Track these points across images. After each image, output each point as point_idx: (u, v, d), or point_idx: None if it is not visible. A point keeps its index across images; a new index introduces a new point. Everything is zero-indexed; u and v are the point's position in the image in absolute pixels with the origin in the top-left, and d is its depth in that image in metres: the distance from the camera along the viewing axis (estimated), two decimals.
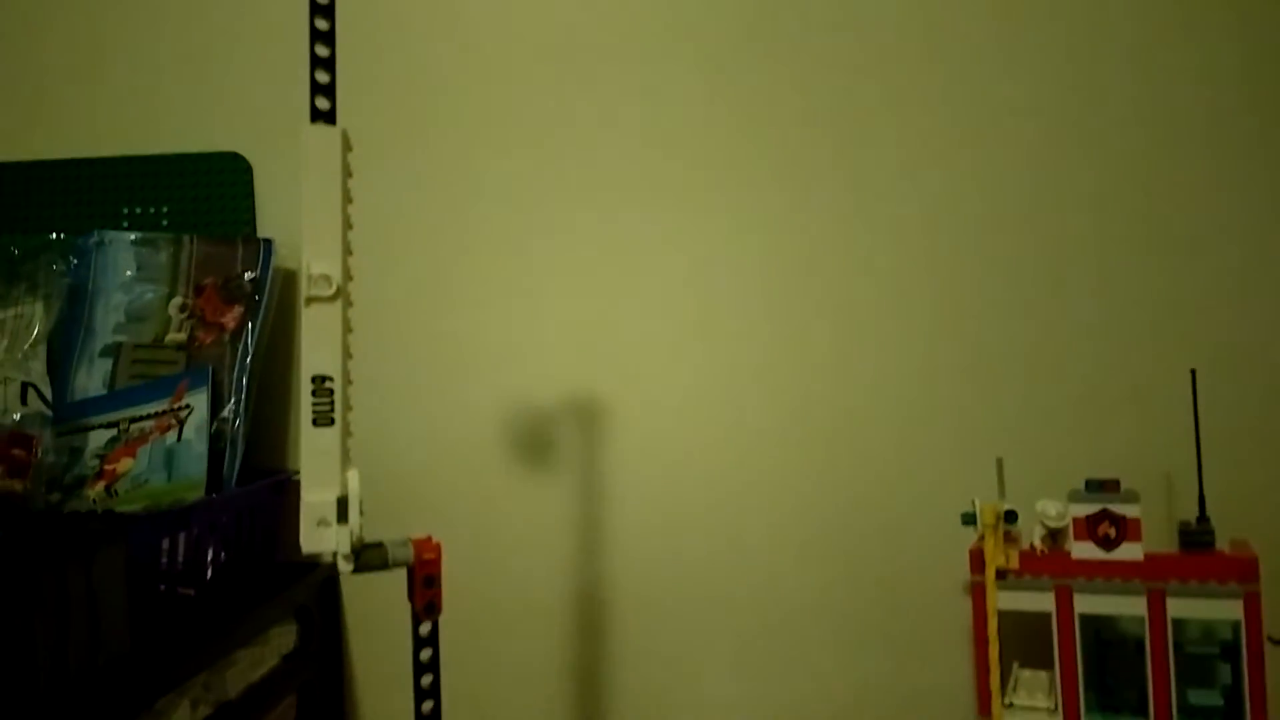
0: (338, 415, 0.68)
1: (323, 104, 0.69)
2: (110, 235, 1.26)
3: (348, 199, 0.70)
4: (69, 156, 1.36)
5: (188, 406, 1.18)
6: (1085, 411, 1.23)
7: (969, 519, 1.11)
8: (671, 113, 1.31)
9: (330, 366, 0.68)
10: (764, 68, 1.29)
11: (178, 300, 1.24)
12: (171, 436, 1.17)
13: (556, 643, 1.33)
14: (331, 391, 0.68)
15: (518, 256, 1.33)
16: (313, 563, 1.24)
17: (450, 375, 1.33)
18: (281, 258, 1.28)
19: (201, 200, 1.32)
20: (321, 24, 0.68)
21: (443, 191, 1.34)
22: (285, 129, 1.34)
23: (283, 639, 1.16)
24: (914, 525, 1.26)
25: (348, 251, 0.70)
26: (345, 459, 0.69)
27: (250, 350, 1.22)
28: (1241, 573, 1.01)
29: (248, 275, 1.25)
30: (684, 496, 1.32)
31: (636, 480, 1.32)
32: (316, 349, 0.68)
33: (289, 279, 1.31)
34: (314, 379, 0.68)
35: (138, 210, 1.33)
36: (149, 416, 1.18)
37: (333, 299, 0.69)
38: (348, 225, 0.71)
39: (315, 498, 0.67)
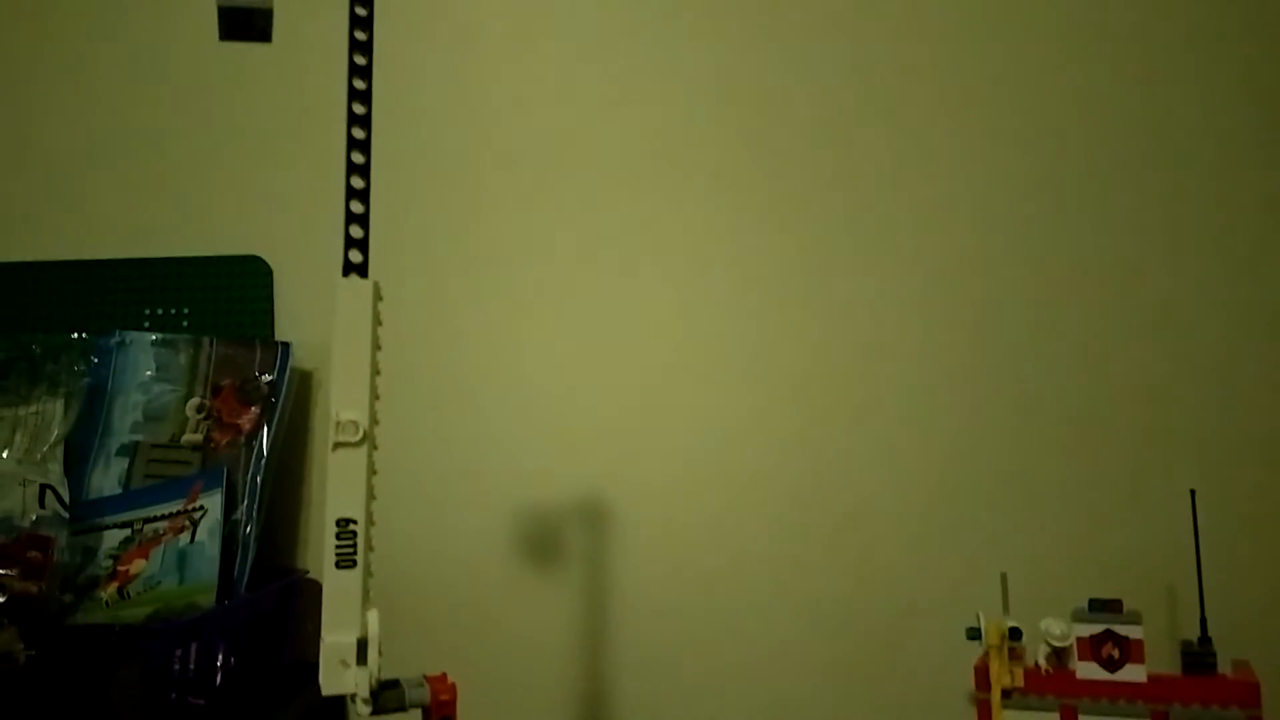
0: (360, 557, 0.70)
1: (356, 257, 0.72)
2: (131, 336, 1.28)
3: (377, 346, 0.73)
4: (93, 257, 1.39)
5: (201, 508, 1.20)
6: (1088, 527, 1.25)
7: (974, 634, 1.12)
8: (658, 214, 1.35)
9: (354, 510, 0.70)
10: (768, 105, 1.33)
11: (195, 401, 1.26)
12: (185, 538, 1.19)
13: None
14: (355, 534, 0.70)
15: (508, 349, 1.35)
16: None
17: (443, 483, 1.34)
18: (299, 359, 1.30)
19: (221, 302, 1.35)
20: (357, 182, 0.71)
21: (426, 298, 1.37)
22: (306, 233, 1.37)
23: None
24: (918, 638, 1.27)
25: (375, 396, 0.73)
26: (365, 600, 0.71)
27: (265, 452, 1.24)
28: (1244, 698, 1.02)
29: (265, 377, 1.27)
30: (687, 597, 1.33)
31: (639, 582, 1.33)
32: (342, 493, 0.70)
33: (305, 380, 1.33)
34: (338, 522, 0.70)
35: (159, 311, 1.36)
36: (163, 517, 1.20)
37: (359, 444, 0.71)
38: (376, 371, 0.73)
39: (336, 639, 0.69)
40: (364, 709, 0.67)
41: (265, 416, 1.26)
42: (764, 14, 1.35)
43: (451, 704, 0.69)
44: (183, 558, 1.18)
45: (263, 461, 1.24)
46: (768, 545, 1.32)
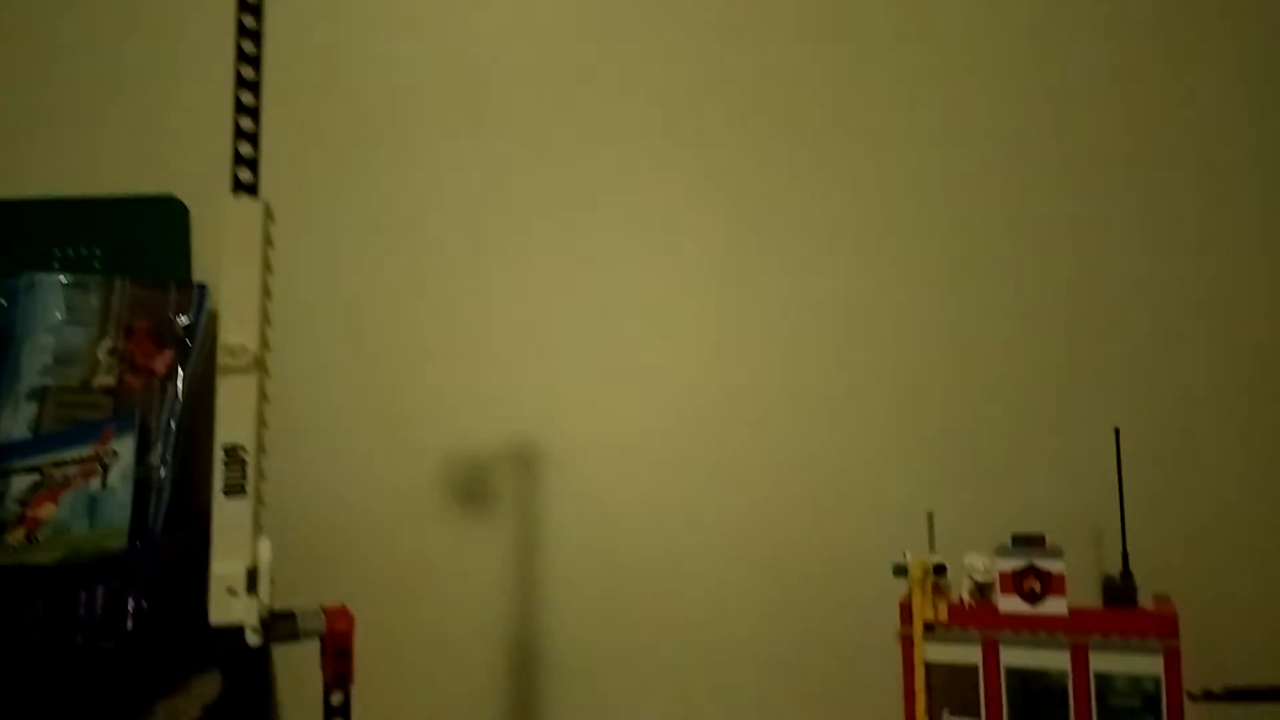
0: (250, 486, 0.67)
1: (245, 176, 0.68)
2: (40, 277, 1.24)
3: (268, 270, 0.70)
4: (0, 197, 1.34)
5: (113, 452, 1.16)
6: (1014, 466, 1.25)
7: (900, 571, 1.12)
8: (610, 155, 1.32)
9: (244, 436, 0.67)
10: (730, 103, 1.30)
11: (107, 344, 1.22)
12: (95, 483, 1.15)
13: (491, 697, 1.31)
14: (244, 462, 0.67)
15: (451, 302, 1.33)
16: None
17: (376, 427, 1.32)
18: (216, 302, 1.26)
19: (135, 243, 1.30)
20: (246, 97, 0.68)
21: (372, 240, 1.33)
22: (223, 173, 1.32)
23: (205, 689, 1.14)
24: (848, 576, 1.27)
25: (266, 322, 0.70)
26: (256, 529, 0.68)
27: (180, 396, 1.21)
28: (1162, 629, 1.02)
29: (180, 319, 1.23)
30: (619, 546, 1.32)
31: (571, 531, 1.31)
32: (230, 419, 0.68)
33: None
34: (226, 449, 0.67)
35: (69, 252, 1.31)
36: (73, 462, 1.16)
37: (248, 370, 0.68)
38: (267, 296, 0.70)
39: (224, 568, 0.67)
40: (254, 638, 0.65)
41: (180, 359, 1.22)
42: None
43: (348, 635, 0.67)
44: (93, 503, 1.14)
45: (177, 405, 1.20)
46: (703, 491, 1.31)
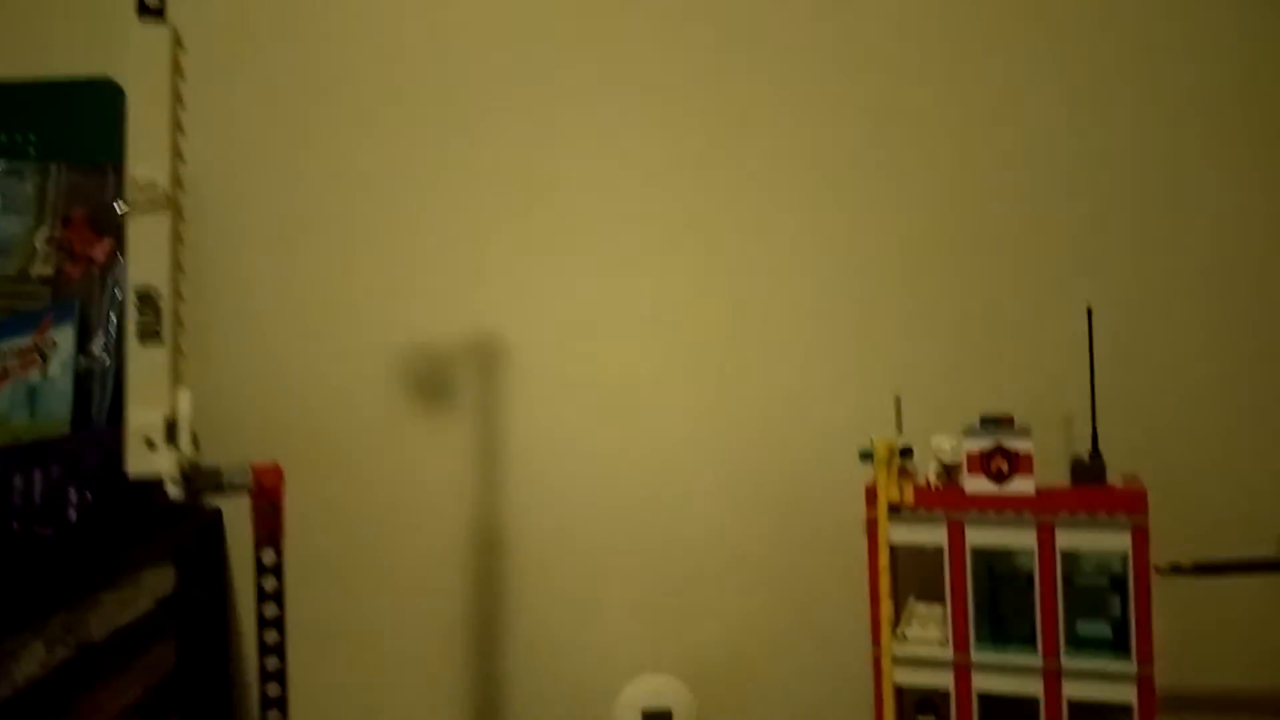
0: (166, 332, 0.63)
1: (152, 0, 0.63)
2: None
3: (179, 101, 0.65)
4: None
5: (53, 343, 1.12)
6: (985, 351, 1.22)
7: (866, 456, 1.09)
8: (565, 31, 1.27)
9: (157, 279, 0.63)
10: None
11: (44, 232, 1.17)
12: (35, 373, 1.11)
13: (454, 588, 1.29)
14: (159, 307, 0.63)
15: (413, 183, 1.28)
16: (192, 505, 1.19)
17: (339, 313, 1.28)
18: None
19: (72, 127, 1.24)
20: None
21: (329, 113, 1.28)
22: None
23: (158, 582, 1.11)
24: (816, 465, 1.25)
25: (178, 157, 0.65)
26: (176, 379, 0.64)
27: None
28: (1130, 505, 1.01)
29: (120, 206, 1.18)
30: (584, 438, 1.29)
31: (535, 421, 1.28)
32: (142, 261, 0.63)
33: None
34: (139, 293, 0.63)
35: (3, 138, 1.25)
36: (11, 353, 1.12)
37: (159, 207, 0.64)
38: (179, 129, 0.65)
39: (141, 418, 0.63)
40: (174, 490, 0.62)
41: (121, 247, 1.17)
42: None
43: (277, 490, 0.63)
44: (33, 393, 1.10)
45: (119, 293, 1.16)
46: (668, 383, 1.28)
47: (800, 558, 1.27)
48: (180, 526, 1.15)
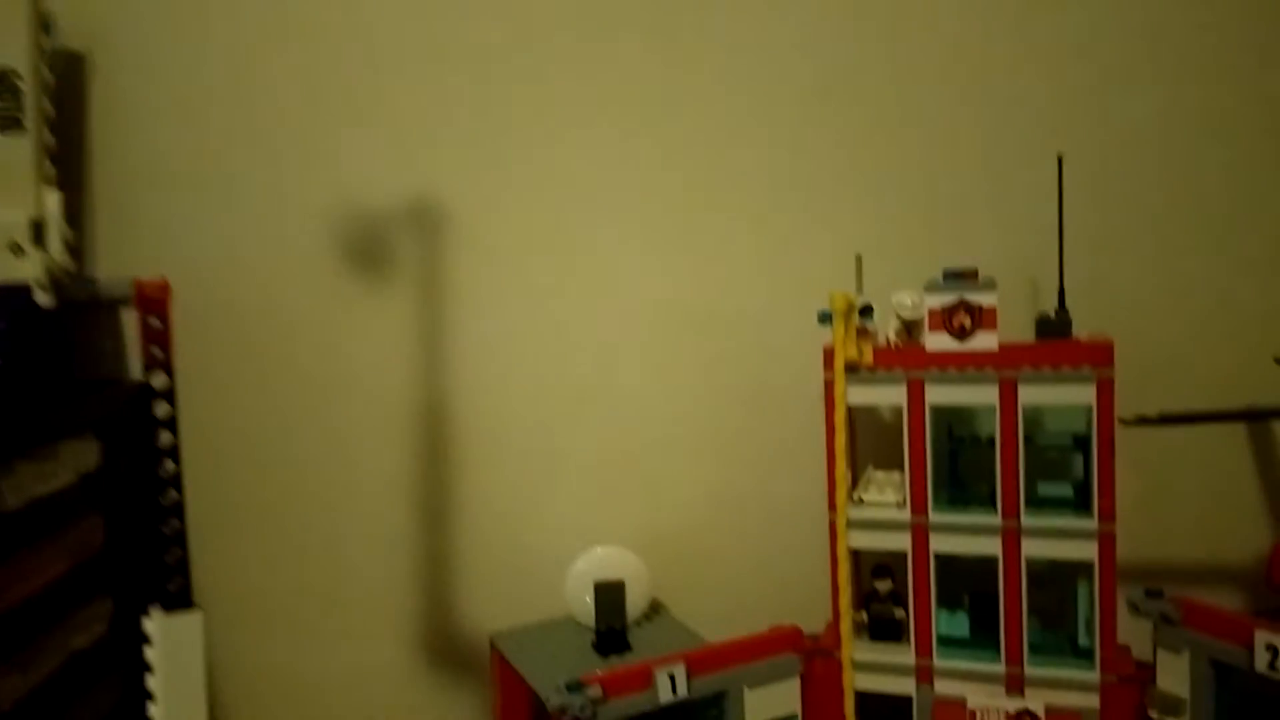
0: (29, 120, 0.56)
1: None
2: None
3: None
4: None
5: None
6: (951, 206, 1.17)
7: (825, 318, 1.04)
8: None
9: (14, 59, 0.56)
10: None
11: None
12: None
13: (400, 466, 1.24)
14: (18, 89, 0.56)
15: (346, 33, 1.20)
16: (118, 377, 1.13)
17: (262, 173, 1.20)
18: (66, 38, 1.11)
19: None
20: None
21: None
22: None
23: (79, 456, 1.05)
24: (776, 332, 1.20)
25: None
26: (42, 175, 0.58)
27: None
28: (1096, 357, 0.97)
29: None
30: (534, 308, 1.23)
31: (482, 291, 1.22)
32: None
33: (75, 66, 1.14)
34: None
35: None
36: None
37: None
38: None
39: (3, 217, 0.56)
40: (43, 296, 0.56)
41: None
42: None
43: (164, 304, 0.57)
44: None
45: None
46: (624, 247, 1.22)
47: (759, 428, 1.23)
48: (104, 397, 1.08)
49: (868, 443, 1.16)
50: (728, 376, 1.23)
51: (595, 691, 0.95)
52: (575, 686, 0.95)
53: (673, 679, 0.98)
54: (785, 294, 1.19)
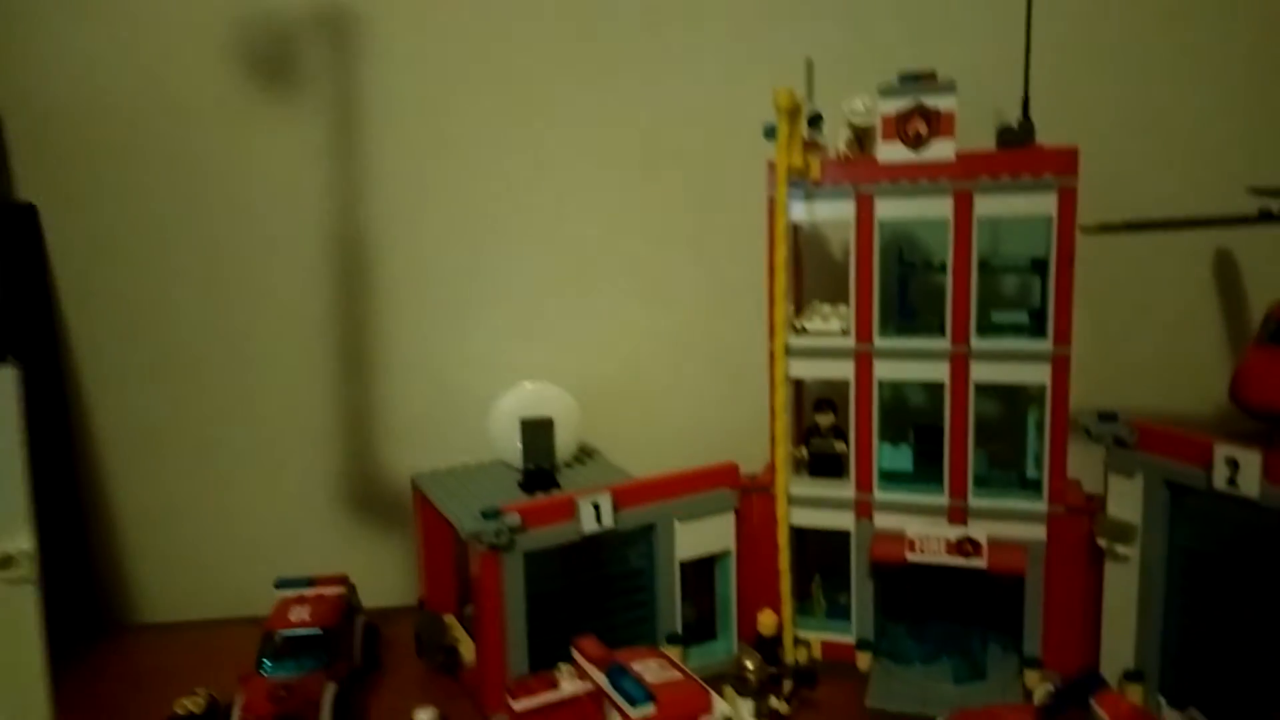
0: None
1: None
2: None
3: None
4: None
5: None
6: (913, 23, 1.08)
7: (771, 132, 0.95)
8: None
9: None
10: None
11: None
12: None
13: (312, 300, 1.16)
14: None
15: None
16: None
17: None
18: None
19: None
20: None
21: None
22: None
23: None
24: (722, 156, 1.11)
25: None
26: None
27: None
28: (1058, 165, 0.89)
29: None
30: (460, 128, 1.13)
31: (397, 107, 1.12)
32: None
33: None
34: None
35: None
36: None
37: None
38: None
39: None
40: None
41: None
42: None
43: None
44: None
45: None
46: (565, 68, 1.12)
47: (701, 260, 1.15)
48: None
49: (817, 279, 1.09)
50: (667, 201, 1.15)
51: (513, 519, 0.89)
52: (491, 514, 0.89)
53: (597, 508, 0.92)
54: (731, 112, 1.09)
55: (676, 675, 0.77)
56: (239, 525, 1.19)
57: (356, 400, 1.17)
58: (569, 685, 0.78)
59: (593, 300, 1.16)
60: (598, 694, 0.77)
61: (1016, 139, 0.92)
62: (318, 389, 1.17)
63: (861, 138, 0.95)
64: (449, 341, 1.17)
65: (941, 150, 0.91)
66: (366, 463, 1.18)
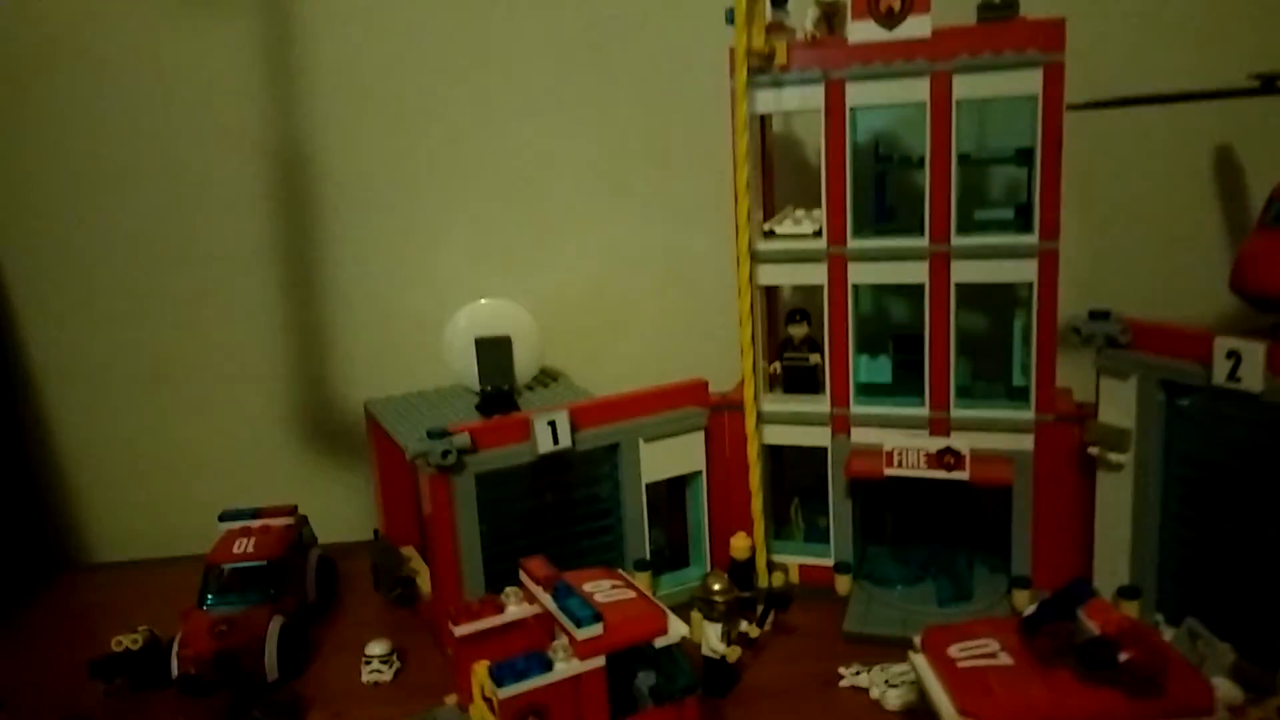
0: None
1: None
2: None
3: None
4: None
5: None
6: None
7: (731, 15, 0.87)
8: None
9: None
10: None
11: None
12: None
13: (251, 217, 1.09)
14: None
15: None
16: None
17: None
18: None
19: None
20: None
21: None
22: None
23: None
24: (685, 59, 1.03)
25: None
26: None
27: None
28: (1044, 39, 0.81)
29: None
30: (411, 34, 1.05)
31: (350, 14, 1.04)
32: None
33: None
34: None
35: None
36: None
37: None
38: None
39: None
40: None
41: None
42: None
43: None
44: None
45: None
46: None
47: (666, 170, 1.08)
48: None
49: (791, 184, 1.02)
50: (630, 111, 1.07)
51: (462, 440, 0.83)
52: (438, 434, 0.83)
53: (553, 427, 0.86)
54: (693, 20, 1.02)
55: (630, 594, 0.71)
56: (191, 463, 1.14)
57: (306, 327, 1.11)
58: (515, 609, 0.72)
59: (552, 217, 1.09)
60: (546, 618, 0.72)
61: (998, 12, 0.83)
62: (263, 317, 1.11)
63: (831, 16, 0.88)
64: (399, 263, 1.10)
65: (917, 27, 0.83)
66: (321, 393, 1.13)
